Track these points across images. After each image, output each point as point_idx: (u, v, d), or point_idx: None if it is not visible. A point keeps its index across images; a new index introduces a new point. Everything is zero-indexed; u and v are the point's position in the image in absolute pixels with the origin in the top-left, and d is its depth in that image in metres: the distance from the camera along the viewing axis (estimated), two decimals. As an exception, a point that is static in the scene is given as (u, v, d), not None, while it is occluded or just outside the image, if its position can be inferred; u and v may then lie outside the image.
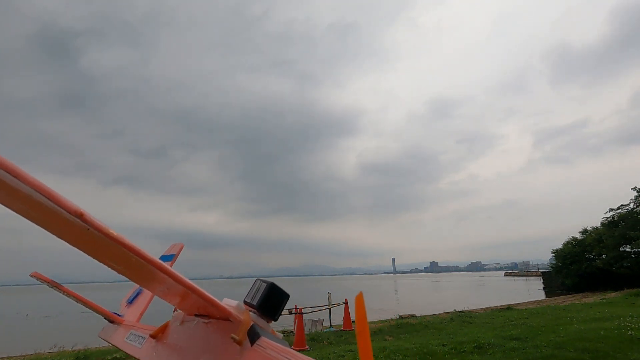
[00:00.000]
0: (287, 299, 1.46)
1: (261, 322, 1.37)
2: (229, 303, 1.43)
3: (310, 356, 1.24)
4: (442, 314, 15.78)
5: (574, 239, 32.84)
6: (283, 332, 11.47)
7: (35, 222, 1.18)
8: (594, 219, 64.94)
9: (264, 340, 1.23)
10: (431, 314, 16.67)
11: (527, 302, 22.64)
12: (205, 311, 1.45)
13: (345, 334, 9.82)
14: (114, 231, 1.12)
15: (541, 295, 31.09)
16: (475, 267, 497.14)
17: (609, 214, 30.16)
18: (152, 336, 1.78)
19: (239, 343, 1.23)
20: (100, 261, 1.35)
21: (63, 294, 2.24)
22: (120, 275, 1.40)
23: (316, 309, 11.80)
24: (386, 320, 13.11)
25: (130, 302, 2.65)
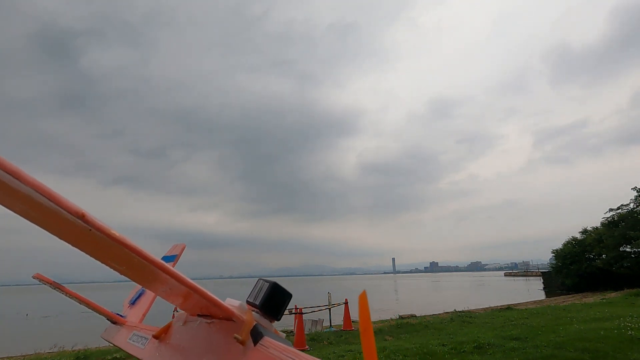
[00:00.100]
0: (290, 299, 1.46)
1: (264, 321, 1.37)
2: (232, 303, 1.43)
3: (310, 356, 1.24)
4: (442, 314, 15.78)
5: (574, 239, 32.85)
6: (283, 332, 11.44)
7: (36, 223, 1.18)
8: (594, 219, 65.01)
9: (267, 340, 1.22)
10: (431, 314, 16.67)
11: (527, 302, 22.65)
12: (208, 311, 1.45)
13: (345, 334, 9.82)
14: (116, 232, 1.12)
15: (541, 295, 31.11)
16: (475, 267, 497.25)
17: (609, 214, 30.22)
18: (155, 337, 1.78)
19: (242, 343, 1.23)
20: (102, 262, 1.34)
21: (65, 295, 2.24)
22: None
23: (316, 309, 11.80)
24: (386, 320, 13.11)
25: (133, 302, 2.65)
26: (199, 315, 1.56)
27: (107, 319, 2.51)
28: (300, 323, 9.12)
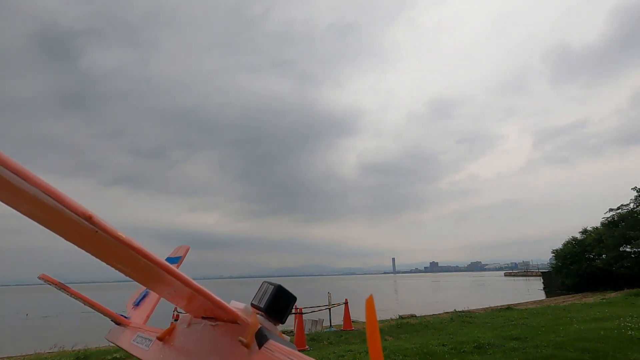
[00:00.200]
0: (294, 302, 1.46)
1: (268, 324, 1.38)
2: (237, 306, 1.43)
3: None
4: (442, 314, 15.79)
5: (574, 239, 32.85)
6: (283, 332, 11.45)
7: (42, 224, 1.18)
8: (594, 219, 65.04)
9: (271, 343, 1.23)
10: (431, 314, 16.68)
11: (527, 302, 22.66)
12: (213, 314, 1.45)
13: (345, 334, 9.82)
14: (123, 233, 1.12)
15: (541, 295, 31.11)
16: (475, 267, 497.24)
17: (609, 214, 30.21)
18: (159, 338, 1.78)
19: (247, 346, 1.24)
20: (107, 263, 1.35)
21: (70, 295, 2.24)
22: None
23: (316, 309, 11.79)
24: (386, 320, 13.11)
25: (137, 304, 2.64)
26: (203, 318, 1.56)
27: (111, 320, 2.51)
28: (300, 323, 9.12)
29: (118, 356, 8.05)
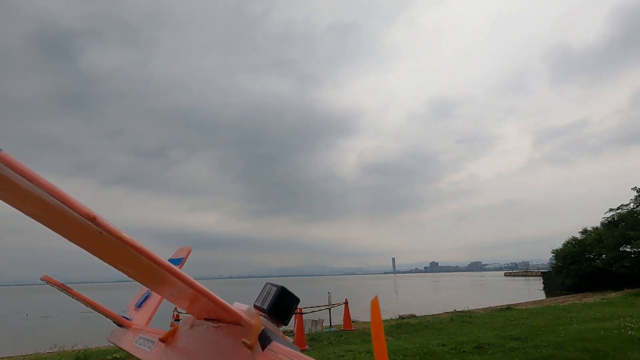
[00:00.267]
0: (298, 303, 1.46)
1: (272, 326, 1.37)
2: (240, 307, 1.43)
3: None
4: (442, 314, 15.79)
5: (574, 239, 32.86)
6: (283, 332, 11.46)
7: (46, 224, 1.18)
8: (594, 219, 65.05)
9: (275, 344, 1.23)
10: (431, 314, 16.68)
11: (527, 302, 22.66)
12: (216, 315, 1.45)
13: (345, 334, 9.82)
14: (126, 234, 1.12)
15: (541, 295, 31.12)
16: (475, 267, 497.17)
17: (609, 214, 30.21)
18: (162, 340, 1.78)
19: (250, 348, 1.24)
20: (110, 264, 1.35)
21: (72, 297, 2.23)
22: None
23: (316, 309, 11.80)
24: (386, 320, 13.11)
25: (139, 305, 2.64)
26: (206, 319, 1.56)
27: (113, 322, 2.51)
28: (300, 323, 9.12)
29: (118, 356, 8.05)
